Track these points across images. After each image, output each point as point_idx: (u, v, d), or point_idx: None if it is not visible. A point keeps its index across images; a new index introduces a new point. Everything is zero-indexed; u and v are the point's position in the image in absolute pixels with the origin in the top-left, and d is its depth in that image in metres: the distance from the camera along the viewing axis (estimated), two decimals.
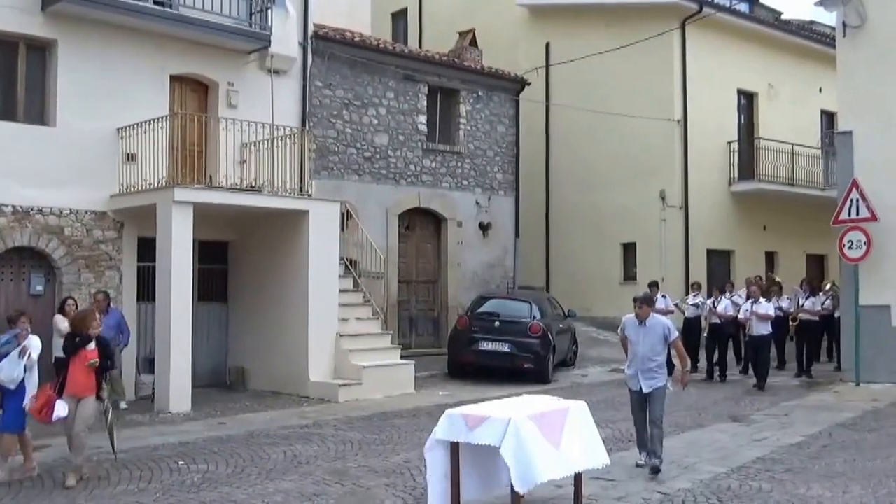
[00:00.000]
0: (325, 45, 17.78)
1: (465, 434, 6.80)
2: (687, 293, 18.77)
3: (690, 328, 17.31)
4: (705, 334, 17.25)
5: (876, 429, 11.31)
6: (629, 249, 22.53)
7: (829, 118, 24.31)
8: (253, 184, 14.87)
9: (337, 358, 14.76)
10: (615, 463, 8.67)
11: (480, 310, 17.09)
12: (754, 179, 22.69)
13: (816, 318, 17.20)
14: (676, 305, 17.47)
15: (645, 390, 8.85)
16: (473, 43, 21.48)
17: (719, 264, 22.38)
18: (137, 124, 14.00)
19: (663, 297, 17.07)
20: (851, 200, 15.74)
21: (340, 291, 15.30)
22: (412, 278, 19.94)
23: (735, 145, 22.91)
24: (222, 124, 14.64)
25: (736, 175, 22.88)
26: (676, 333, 8.93)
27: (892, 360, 15.33)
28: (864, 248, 15.47)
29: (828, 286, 18.37)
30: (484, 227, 20.94)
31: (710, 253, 22.32)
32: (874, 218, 15.46)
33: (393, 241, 19.14)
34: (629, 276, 22.05)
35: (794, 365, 17.30)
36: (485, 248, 21.00)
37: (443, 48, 22.10)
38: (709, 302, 17.29)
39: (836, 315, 17.22)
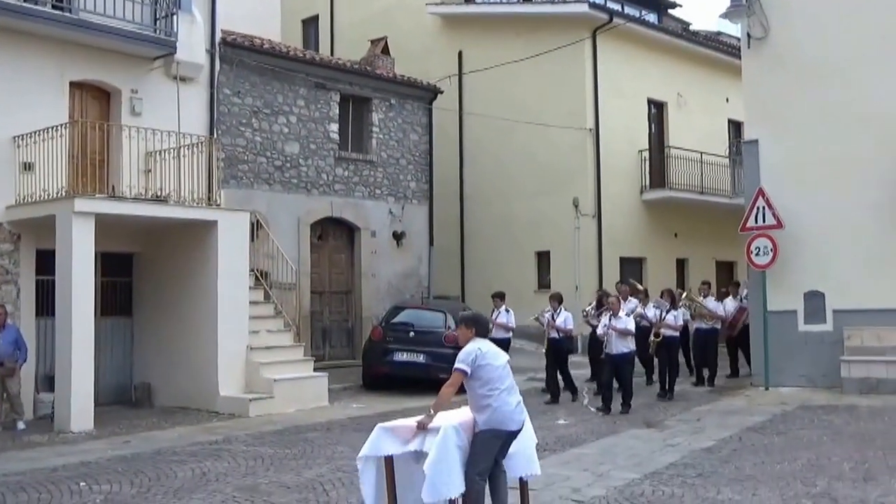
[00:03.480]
0: (234, 51, 17.45)
1: (397, 446, 6.66)
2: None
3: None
4: (544, 349, 15.37)
5: (784, 432, 11.52)
6: (543, 258, 22.67)
7: (736, 127, 24.90)
8: (158, 194, 14.46)
9: (247, 371, 14.45)
10: None
11: (395, 320, 16.96)
12: (665, 188, 23.09)
13: (677, 334, 15.63)
14: (537, 318, 15.54)
15: None
16: (385, 51, 21.41)
17: (632, 272, 22.65)
18: (35, 132, 13.53)
19: (507, 311, 15.68)
20: (758, 208, 16.08)
21: (251, 303, 15.00)
22: (325, 289, 19.67)
23: (646, 154, 23.27)
24: (125, 132, 14.22)
25: (647, 183, 23.24)
26: (456, 365, 6.71)
27: (800, 364, 15.70)
28: (771, 254, 15.80)
29: (683, 295, 17.16)
30: (398, 237, 20.81)
31: (622, 260, 22.59)
32: (780, 225, 15.82)
33: (305, 252, 18.86)
34: (544, 284, 22.17)
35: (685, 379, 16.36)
36: (399, 257, 20.86)
37: (354, 56, 21.96)
38: (547, 314, 15.25)
39: (694, 327, 16.74)
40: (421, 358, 16.11)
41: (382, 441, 6.73)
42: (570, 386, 15.16)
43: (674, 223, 23.80)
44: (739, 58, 17.99)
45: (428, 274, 21.49)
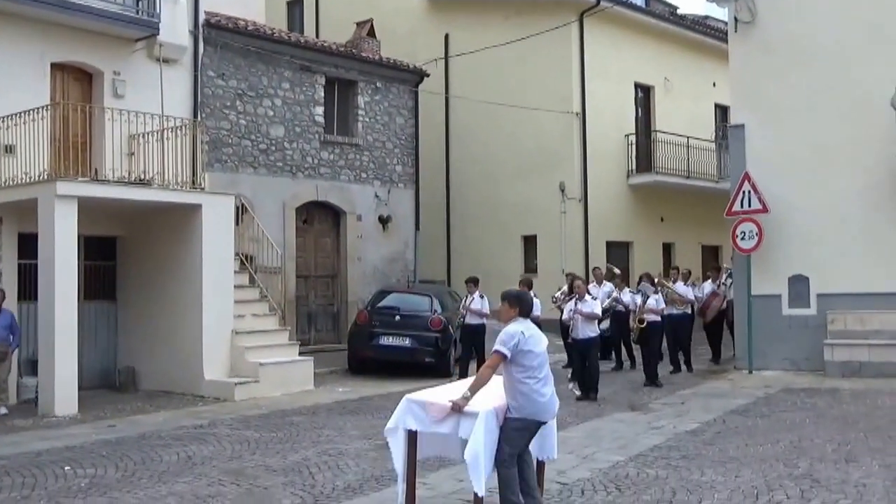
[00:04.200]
0: (218, 33, 17.31)
1: (426, 424, 6.49)
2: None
3: None
4: None
5: (767, 414, 11.59)
6: (530, 242, 22.66)
7: (722, 112, 24.96)
8: (142, 177, 14.35)
9: (233, 355, 14.41)
10: None
11: (381, 304, 16.95)
12: (651, 172, 23.10)
13: (659, 318, 15.16)
14: None
15: None
16: (371, 33, 21.27)
17: (618, 256, 22.71)
18: (16, 114, 13.36)
19: (481, 296, 15.32)
20: (743, 192, 16.12)
21: (236, 287, 14.95)
22: (311, 273, 19.61)
23: (633, 138, 23.26)
24: (108, 115, 14.09)
25: (634, 168, 23.25)
26: (497, 346, 6.42)
27: (783, 347, 15.81)
28: (756, 239, 15.86)
29: (655, 279, 16.45)
30: (384, 221, 20.74)
31: (609, 245, 22.63)
32: (765, 210, 15.86)
33: (290, 236, 18.78)
34: (530, 268, 22.18)
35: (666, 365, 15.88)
36: (385, 241, 20.81)
37: (340, 38, 21.79)
38: None
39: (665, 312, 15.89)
40: (406, 342, 16.12)
41: (410, 414, 6.51)
42: None
43: (660, 207, 23.83)
44: (726, 42, 17.99)
45: (414, 258, 21.45)
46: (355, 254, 20.20)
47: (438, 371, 15.96)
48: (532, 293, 14.54)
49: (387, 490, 7.76)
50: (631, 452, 9.24)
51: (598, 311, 13.47)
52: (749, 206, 16.03)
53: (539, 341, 6.52)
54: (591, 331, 13.17)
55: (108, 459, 9.22)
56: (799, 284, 15.87)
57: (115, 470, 8.74)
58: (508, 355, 6.34)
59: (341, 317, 19.96)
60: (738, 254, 16.44)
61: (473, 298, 15.35)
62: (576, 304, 13.27)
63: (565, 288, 16.77)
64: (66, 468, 8.81)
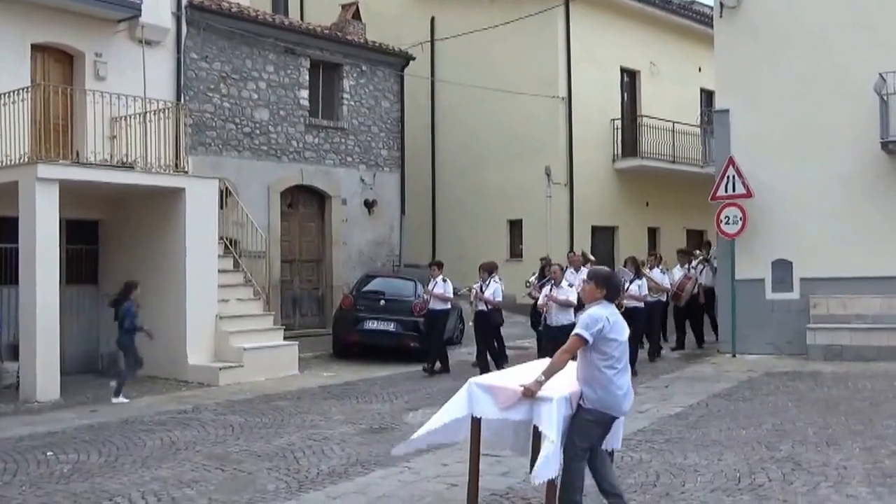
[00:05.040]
0: (201, 15, 17.14)
1: (495, 410, 6.10)
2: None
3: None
4: (470, 323, 14.81)
5: (750, 398, 11.66)
6: (515, 226, 22.68)
7: (708, 96, 24.94)
8: (124, 160, 14.23)
9: (217, 340, 14.35)
10: None
11: (366, 289, 16.91)
12: (637, 157, 23.15)
13: (642, 305, 14.64)
14: (470, 289, 14.68)
15: None
16: (356, 16, 21.13)
17: (604, 241, 22.76)
18: None
19: (444, 280, 14.89)
20: (728, 177, 16.15)
21: (220, 272, 14.87)
22: (295, 257, 19.55)
23: (618, 123, 23.28)
24: (89, 97, 13.93)
25: (619, 152, 23.28)
26: (577, 329, 5.98)
27: (766, 331, 15.90)
28: (740, 223, 15.90)
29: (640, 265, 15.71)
30: (369, 205, 20.68)
31: (594, 229, 22.67)
32: (749, 194, 15.90)
33: (275, 220, 18.70)
34: (515, 253, 22.20)
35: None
36: (370, 225, 20.76)
37: (325, 21, 21.65)
38: (475, 286, 14.32)
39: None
40: (391, 326, 16.09)
41: (479, 401, 6.15)
42: (499, 360, 14.29)
43: (645, 192, 23.87)
44: (712, 27, 17.97)
45: (399, 242, 21.42)
46: (340, 238, 20.14)
47: (423, 356, 15.93)
48: (497, 277, 14.49)
49: (372, 474, 7.77)
50: None
51: (574, 298, 12.68)
52: (733, 190, 16.06)
53: (623, 329, 6.06)
54: (565, 318, 12.52)
55: (91, 445, 9.19)
56: (782, 269, 15.95)
57: (97, 455, 8.71)
58: (590, 341, 5.85)
59: (326, 301, 19.92)
60: (722, 238, 16.49)
61: (436, 283, 14.83)
62: (551, 289, 12.83)
63: (537, 273, 16.68)
64: (49, 454, 8.77)
